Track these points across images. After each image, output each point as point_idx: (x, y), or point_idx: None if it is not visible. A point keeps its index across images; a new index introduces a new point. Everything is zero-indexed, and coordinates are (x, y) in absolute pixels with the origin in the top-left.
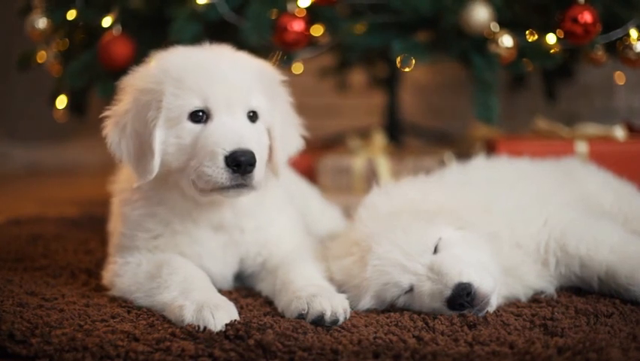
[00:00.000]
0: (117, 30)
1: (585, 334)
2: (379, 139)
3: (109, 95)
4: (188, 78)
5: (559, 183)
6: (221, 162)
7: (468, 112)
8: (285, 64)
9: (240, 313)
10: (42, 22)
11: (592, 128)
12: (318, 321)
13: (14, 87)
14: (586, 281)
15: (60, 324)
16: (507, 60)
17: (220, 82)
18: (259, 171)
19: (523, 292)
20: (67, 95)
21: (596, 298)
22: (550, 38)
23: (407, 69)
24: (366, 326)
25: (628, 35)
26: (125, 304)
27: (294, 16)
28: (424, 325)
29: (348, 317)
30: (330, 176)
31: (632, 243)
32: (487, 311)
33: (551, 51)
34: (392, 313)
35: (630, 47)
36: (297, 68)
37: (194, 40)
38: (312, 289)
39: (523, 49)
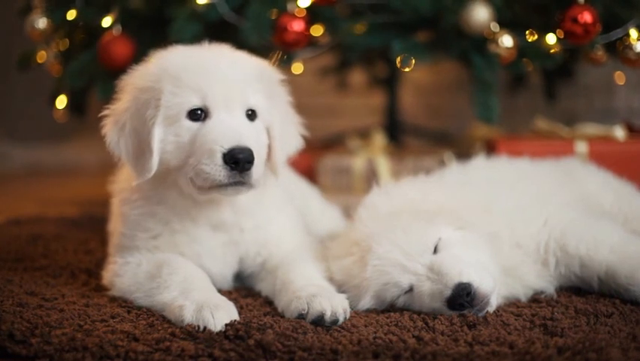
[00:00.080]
0: (117, 30)
1: (585, 334)
2: (379, 139)
3: (109, 95)
4: (187, 76)
5: (559, 183)
6: (219, 160)
7: (468, 112)
8: (285, 64)
9: (239, 313)
10: (42, 22)
11: (592, 128)
12: (318, 321)
13: (14, 87)
14: (586, 281)
15: (60, 324)
16: (507, 60)
17: (218, 80)
18: (257, 169)
19: (523, 292)
20: (67, 95)
21: (595, 298)
22: (550, 38)
23: (407, 69)
24: (365, 326)
25: (628, 35)
26: (125, 304)
27: (294, 16)
28: (424, 325)
29: (348, 317)
30: (330, 176)
31: (632, 243)
32: (487, 311)
33: (551, 51)
34: (392, 313)
35: (630, 46)
36: (297, 68)
37: (194, 40)
38: (312, 289)
39: (523, 49)
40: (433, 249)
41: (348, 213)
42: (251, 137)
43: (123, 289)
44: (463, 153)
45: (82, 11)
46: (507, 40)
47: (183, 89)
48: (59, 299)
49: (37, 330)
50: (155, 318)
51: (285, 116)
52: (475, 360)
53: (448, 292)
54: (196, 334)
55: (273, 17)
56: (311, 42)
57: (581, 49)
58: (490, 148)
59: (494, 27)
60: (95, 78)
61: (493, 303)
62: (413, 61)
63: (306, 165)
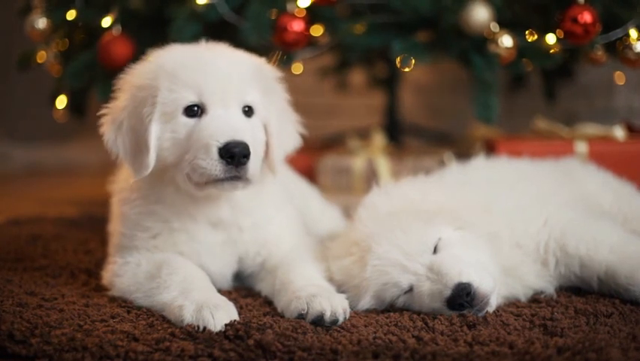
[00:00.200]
0: (117, 30)
1: (585, 334)
2: (379, 139)
3: (109, 96)
4: (183, 73)
5: (558, 183)
6: (214, 154)
7: (468, 112)
8: (285, 64)
9: (239, 314)
10: (42, 22)
11: (592, 129)
12: (318, 321)
13: (14, 87)
14: (586, 281)
15: (60, 324)
16: (507, 60)
17: (215, 76)
18: (254, 164)
19: (522, 292)
20: (67, 95)
21: (595, 298)
22: (550, 38)
23: (407, 69)
24: (365, 326)
25: (628, 35)
26: (125, 304)
27: (293, 16)
28: (424, 325)
29: (347, 317)
30: (330, 176)
31: (632, 243)
32: (487, 311)
33: (551, 51)
34: (392, 314)
35: (630, 47)
36: (297, 68)
37: (194, 40)
38: (311, 289)
39: (522, 49)
40: (432, 249)
41: (348, 213)
42: (247, 132)
43: (123, 289)
44: (463, 153)
45: (82, 11)
46: (507, 41)
47: (179, 85)
48: (59, 299)
49: (37, 330)
50: (155, 318)
51: (283, 113)
52: (475, 360)
53: (447, 292)
54: (196, 334)
55: (273, 17)
56: (311, 42)
57: (581, 49)
58: (490, 148)
59: (494, 27)
60: (94, 78)
61: (493, 303)
62: (413, 61)
63: (306, 165)
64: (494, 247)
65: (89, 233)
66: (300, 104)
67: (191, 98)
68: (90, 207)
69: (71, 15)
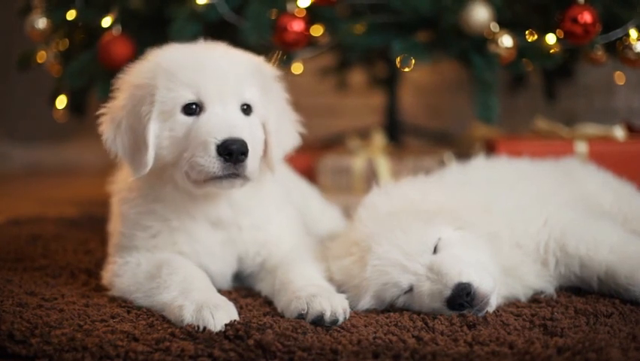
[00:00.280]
0: (117, 30)
1: (585, 334)
2: (379, 139)
3: (109, 95)
4: (181, 71)
5: (558, 183)
6: (212, 151)
7: (468, 112)
8: (284, 64)
9: (239, 314)
10: (42, 22)
11: (592, 129)
12: (318, 321)
13: (14, 87)
14: (586, 281)
15: (60, 324)
16: (507, 60)
17: (212, 74)
18: (252, 162)
19: (522, 292)
20: (67, 95)
21: (595, 298)
22: (550, 38)
23: (407, 69)
24: (365, 326)
25: (628, 35)
26: (125, 304)
27: (293, 16)
28: (424, 325)
29: (347, 317)
30: (330, 176)
31: (632, 243)
32: (487, 311)
33: (551, 51)
34: (392, 314)
35: (630, 47)
36: (297, 68)
37: (194, 40)
38: (311, 289)
39: (522, 49)
40: (432, 249)
41: (348, 213)
42: (245, 129)
43: (123, 289)
44: (463, 153)
45: (82, 11)
46: (507, 41)
47: (177, 84)
48: (59, 299)
49: (36, 330)
50: (155, 318)
51: (281, 112)
52: (475, 360)
53: (447, 292)
54: (196, 334)
55: (273, 17)
56: (311, 42)
57: (581, 49)
58: (490, 148)
59: (494, 27)
60: (95, 78)
61: (493, 303)
62: (413, 61)
63: (306, 165)
64: (494, 247)
65: (89, 233)
66: (300, 104)
67: (189, 97)
68: (90, 207)
69: (71, 15)
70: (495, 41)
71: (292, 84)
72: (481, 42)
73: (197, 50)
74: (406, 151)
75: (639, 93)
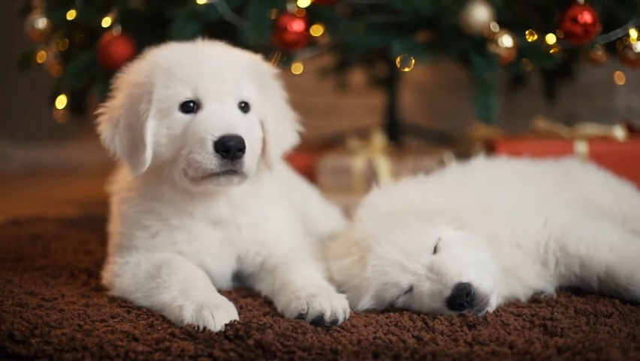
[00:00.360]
0: (117, 30)
1: (585, 334)
2: (379, 139)
3: (108, 95)
4: (179, 69)
5: (558, 183)
6: (210, 148)
7: (468, 112)
8: (284, 64)
9: (239, 314)
10: (42, 22)
11: (592, 129)
12: (318, 321)
13: (14, 87)
14: (586, 281)
15: (60, 324)
16: (507, 60)
17: (210, 72)
18: (249, 159)
19: (522, 292)
20: (67, 95)
21: (595, 298)
22: (550, 38)
23: (407, 69)
24: (365, 326)
25: (628, 35)
26: (125, 304)
27: (293, 16)
28: (424, 325)
29: (347, 317)
30: (330, 176)
31: (632, 243)
32: (487, 311)
33: (551, 51)
34: (392, 314)
35: (630, 47)
36: (297, 68)
37: (193, 39)
38: (311, 289)
39: (522, 49)
40: (432, 249)
41: (348, 213)
42: (242, 126)
43: (123, 289)
44: (463, 153)
45: (82, 11)
46: (507, 41)
47: (175, 82)
48: (59, 299)
49: (37, 330)
50: (155, 318)
51: (280, 110)
52: (475, 360)
53: (447, 292)
54: (196, 334)
55: (273, 17)
56: (311, 42)
57: (581, 49)
58: (490, 148)
59: (494, 27)
60: (94, 78)
61: (493, 303)
62: (413, 61)
63: (306, 165)
64: (494, 247)
65: (89, 233)
66: (300, 104)
67: (186, 94)
68: (90, 207)
69: (71, 15)
70: (495, 41)
71: (292, 84)
72: (481, 42)
73: (194, 49)
74: (406, 151)
75: (639, 93)
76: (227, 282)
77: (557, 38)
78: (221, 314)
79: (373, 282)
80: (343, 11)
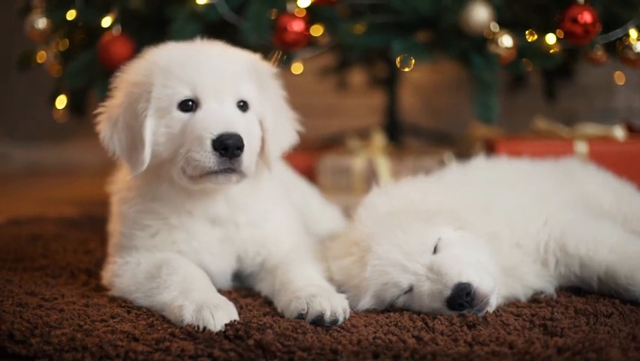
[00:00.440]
0: (117, 30)
1: (585, 334)
2: (379, 139)
3: (107, 95)
4: (177, 68)
5: (558, 183)
6: (208, 146)
7: (468, 112)
8: (284, 64)
9: (239, 313)
10: (42, 22)
11: (592, 129)
12: (318, 321)
13: (14, 87)
14: (586, 281)
15: (60, 324)
16: (507, 60)
17: (208, 71)
18: (248, 157)
19: (522, 292)
20: (67, 95)
21: (595, 298)
22: (550, 38)
23: (407, 69)
24: (365, 326)
25: (628, 35)
26: (125, 304)
27: (293, 16)
28: (424, 325)
29: (347, 317)
30: (330, 176)
31: (632, 243)
32: (487, 311)
33: (551, 51)
34: (392, 314)
35: (630, 47)
36: (297, 68)
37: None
38: (311, 289)
39: (522, 49)
40: (432, 249)
41: (348, 213)
42: (241, 125)
43: (123, 289)
44: (463, 153)
45: (82, 11)
46: (507, 41)
47: (173, 80)
48: (59, 299)
49: (37, 330)
50: (155, 318)
51: (278, 109)
52: (475, 360)
53: (447, 292)
54: (196, 334)
55: (273, 17)
56: (311, 42)
57: (581, 49)
58: (490, 148)
59: (494, 27)
60: (95, 78)
61: (493, 303)
62: (413, 61)
63: (306, 165)
64: (494, 247)
65: (89, 233)
66: (300, 104)
67: (185, 93)
68: (90, 207)
69: (71, 15)
70: (495, 41)
71: (292, 84)
72: (481, 42)
73: (193, 48)
74: (406, 151)
75: (639, 93)
76: (227, 282)
77: (557, 38)
78: (221, 314)
79: (373, 282)
80: (343, 11)
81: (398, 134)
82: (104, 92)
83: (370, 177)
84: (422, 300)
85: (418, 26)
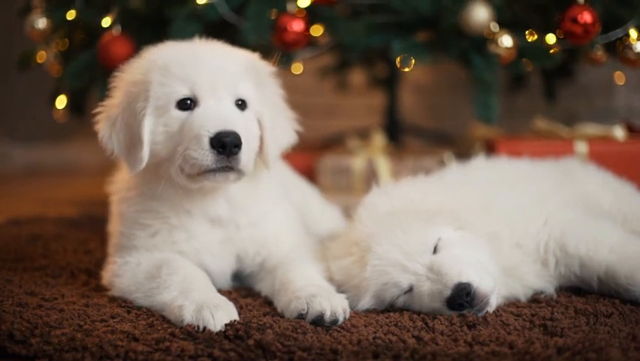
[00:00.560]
0: (117, 30)
1: (585, 334)
2: (379, 139)
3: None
4: (175, 67)
5: (558, 183)
6: (206, 144)
7: (468, 112)
8: (284, 64)
9: (239, 313)
10: (42, 22)
11: (592, 129)
12: (318, 321)
13: (14, 87)
14: (586, 281)
15: (60, 324)
16: (507, 60)
17: (207, 69)
18: (246, 155)
19: (522, 292)
20: (67, 95)
21: (595, 298)
22: (550, 38)
23: (407, 69)
24: (365, 326)
25: (628, 35)
26: (125, 304)
27: (293, 16)
28: (424, 325)
29: (347, 317)
30: (330, 176)
31: (632, 243)
32: (487, 311)
33: (551, 51)
34: (392, 314)
35: (630, 47)
36: (297, 68)
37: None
38: (311, 289)
39: (522, 49)
40: (432, 249)
41: (348, 213)
42: (239, 123)
43: (123, 289)
44: (463, 153)
45: (82, 11)
46: (507, 41)
47: (172, 79)
48: (59, 299)
49: (36, 330)
50: (155, 318)
51: (277, 108)
52: (475, 360)
53: (447, 292)
54: (196, 334)
55: (273, 17)
56: (311, 42)
57: (581, 49)
58: (490, 148)
59: (494, 27)
60: (94, 78)
61: (493, 303)
62: (413, 61)
63: (306, 165)
64: (494, 247)
65: (89, 233)
66: (300, 104)
67: (183, 92)
68: (90, 207)
69: (71, 15)
70: (495, 41)
71: (292, 84)
72: (481, 42)
73: (192, 47)
74: (406, 151)
75: (639, 93)
76: (227, 282)
77: (557, 38)
78: (221, 314)
79: (373, 282)
80: (343, 11)
81: (398, 134)
82: (104, 92)
83: (370, 177)
84: (422, 300)
85: (418, 26)
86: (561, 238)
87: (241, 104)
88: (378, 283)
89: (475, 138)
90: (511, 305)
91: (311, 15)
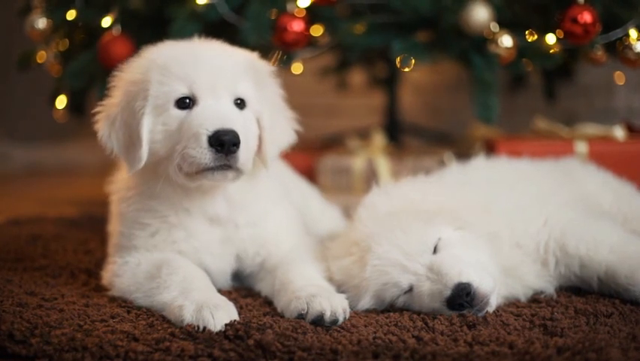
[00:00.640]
0: (117, 30)
1: (585, 334)
2: (379, 139)
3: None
4: (174, 66)
5: (558, 183)
6: (204, 143)
7: (468, 112)
8: (284, 64)
9: (239, 313)
10: (42, 22)
11: (592, 129)
12: (318, 321)
13: (14, 87)
14: (586, 281)
15: (60, 324)
16: (507, 60)
17: (205, 68)
18: (244, 154)
19: (522, 292)
20: (67, 95)
21: (595, 298)
22: (550, 38)
23: (407, 69)
24: (365, 326)
25: (628, 35)
26: (125, 304)
27: (293, 16)
28: (424, 325)
29: (347, 317)
30: (330, 176)
31: (632, 243)
32: (487, 311)
33: (551, 51)
34: (392, 314)
35: (630, 47)
36: (297, 68)
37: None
38: (311, 289)
39: (522, 49)
40: (432, 249)
41: (348, 213)
42: (237, 121)
43: (123, 289)
44: (463, 153)
45: (82, 11)
46: (507, 41)
47: (170, 78)
48: (59, 299)
49: (36, 330)
50: (155, 318)
51: (276, 107)
52: (475, 360)
53: (447, 292)
54: (196, 334)
55: (273, 17)
56: (311, 42)
57: (581, 49)
58: (490, 148)
59: (494, 27)
60: (94, 78)
61: (493, 303)
62: (413, 61)
63: (306, 165)
64: (494, 247)
65: (89, 233)
66: (300, 104)
67: (182, 90)
68: (90, 207)
69: (71, 15)
70: (495, 41)
71: (292, 84)
72: (481, 42)
73: (191, 46)
74: (406, 151)
75: (639, 93)
76: (226, 281)
77: (557, 38)
78: (221, 314)
79: (373, 282)
80: (343, 11)
81: (398, 134)
82: (104, 92)
83: (370, 177)
84: (422, 300)
85: (418, 26)
86: (561, 238)
87: (240, 104)
88: (378, 283)
89: (475, 138)
90: (511, 305)
91: (311, 15)
